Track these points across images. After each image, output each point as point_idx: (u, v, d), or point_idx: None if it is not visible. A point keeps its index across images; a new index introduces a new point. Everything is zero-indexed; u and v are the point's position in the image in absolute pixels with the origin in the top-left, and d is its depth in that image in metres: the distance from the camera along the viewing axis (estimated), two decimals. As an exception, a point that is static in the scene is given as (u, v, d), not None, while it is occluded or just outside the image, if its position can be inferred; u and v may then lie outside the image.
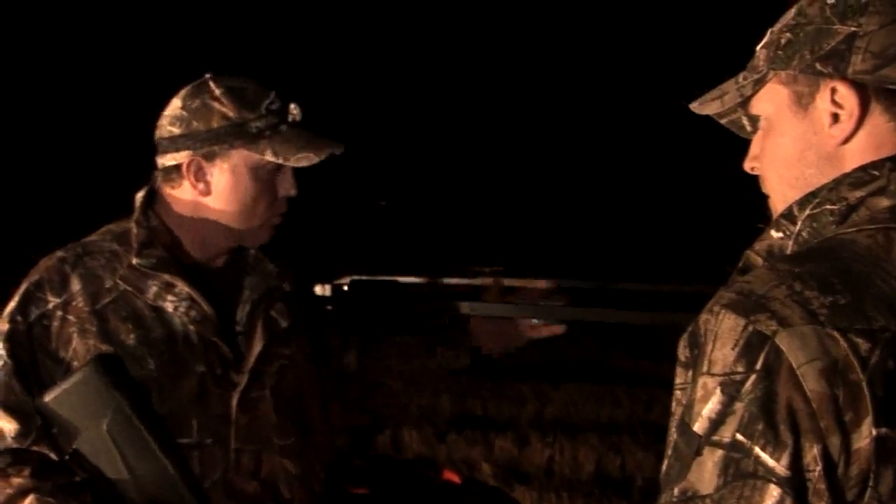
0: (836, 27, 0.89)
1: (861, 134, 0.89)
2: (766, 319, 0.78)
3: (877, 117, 0.89)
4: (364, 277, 2.68)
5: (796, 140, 0.93)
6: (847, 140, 0.90)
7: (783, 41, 0.94)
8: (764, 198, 1.01)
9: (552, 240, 14.87)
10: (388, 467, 2.27)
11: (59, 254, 1.45)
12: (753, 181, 1.03)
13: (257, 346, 1.46)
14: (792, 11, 0.95)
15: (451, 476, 3.27)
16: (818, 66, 0.90)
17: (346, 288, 2.65)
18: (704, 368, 0.80)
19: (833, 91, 0.89)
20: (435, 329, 1.75)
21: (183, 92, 1.48)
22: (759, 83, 0.96)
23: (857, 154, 0.89)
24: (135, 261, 1.42)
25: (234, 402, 1.42)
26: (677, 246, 13.90)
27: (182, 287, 1.42)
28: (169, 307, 1.41)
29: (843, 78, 0.89)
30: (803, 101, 0.92)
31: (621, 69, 19.53)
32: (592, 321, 1.63)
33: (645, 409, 7.30)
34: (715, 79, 1.04)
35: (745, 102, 1.00)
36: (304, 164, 1.45)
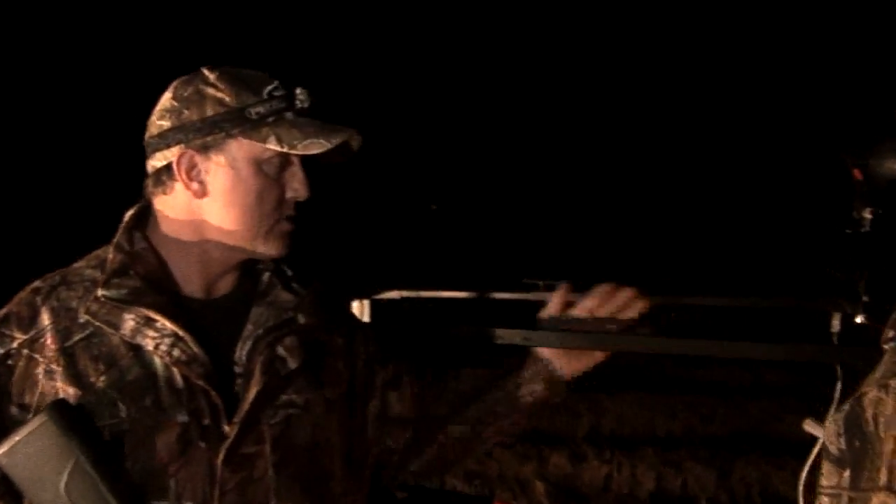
0: None
1: None
2: None
3: None
4: (408, 293, 2.47)
5: None
6: None
7: None
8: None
9: (614, 250, 14.42)
10: (436, 501, 2.03)
11: (36, 284, 1.26)
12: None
13: (252, 392, 1.22)
14: None
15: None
16: None
17: (386, 304, 2.44)
18: (883, 480, 0.54)
19: None
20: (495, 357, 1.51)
21: (175, 83, 1.28)
22: None
23: None
24: (100, 292, 1.21)
25: (220, 458, 1.19)
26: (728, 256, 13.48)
27: (164, 322, 1.20)
28: (149, 345, 1.19)
29: None
30: None
31: (698, 76, 19.05)
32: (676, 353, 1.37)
33: (702, 421, 7.00)
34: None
35: None
36: (314, 151, 1.22)
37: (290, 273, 1.36)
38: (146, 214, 1.30)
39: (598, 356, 1.47)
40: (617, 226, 16.80)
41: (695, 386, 8.01)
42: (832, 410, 1.90)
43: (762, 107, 17.85)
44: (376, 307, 2.54)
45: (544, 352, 1.46)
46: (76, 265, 1.28)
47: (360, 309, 2.57)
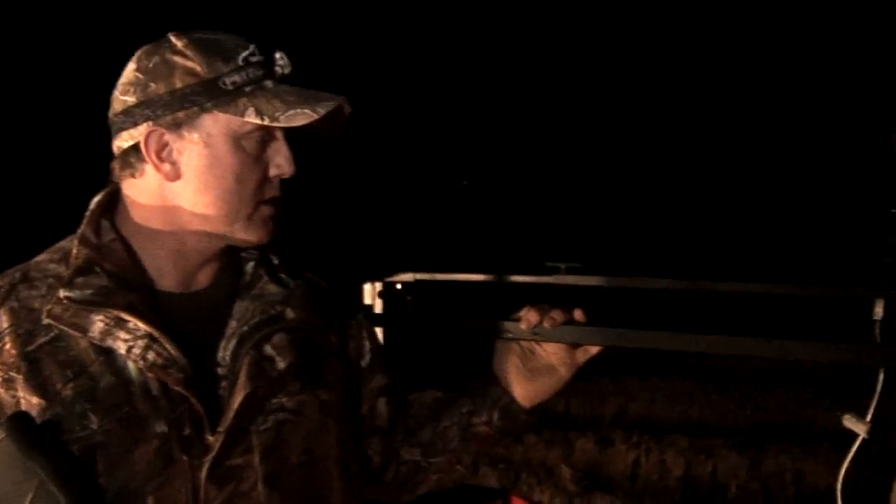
0: None
1: None
2: None
3: None
4: (423, 276, 2.35)
5: None
6: None
7: None
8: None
9: (639, 233, 14.13)
10: (449, 498, 1.92)
11: None
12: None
13: (238, 397, 1.09)
14: None
15: (520, 504, 2.93)
16: None
17: (399, 287, 2.33)
18: None
19: None
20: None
21: (139, 52, 1.13)
22: None
23: None
24: (62, 293, 1.07)
25: (204, 472, 1.08)
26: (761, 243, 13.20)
27: (136, 322, 1.07)
28: (121, 348, 1.06)
29: None
30: None
31: (729, 62, 18.63)
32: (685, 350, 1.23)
33: (737, 407, 6.85)
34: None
35: None
36: (298, 123, 1.09)
37: (276, 262, 1.23)
38: (115, 201, 1.17)
39: (561, 381, 1.31)
40: (645, 208, 16.53)
41: (727, 370, 7.84)
42: (874, 404, 1.76)
43: (805, 90, 17.47)
44: (388, 290, 2.43)
45: (507, 373, 1.31)
46: (38, 259, 1.15)
47: (372, 292, 2.47)
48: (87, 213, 1.14)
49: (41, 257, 1.15)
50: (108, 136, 1.15)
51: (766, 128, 17.72)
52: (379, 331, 1.49)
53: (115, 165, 1.14)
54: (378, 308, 2.36)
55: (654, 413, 6.62)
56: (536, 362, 1.31)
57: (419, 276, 2.40)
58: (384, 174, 14.51)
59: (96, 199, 1.16)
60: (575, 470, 5.28)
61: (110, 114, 1.13)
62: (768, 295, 2.32)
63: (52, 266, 1.12)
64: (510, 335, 1.29)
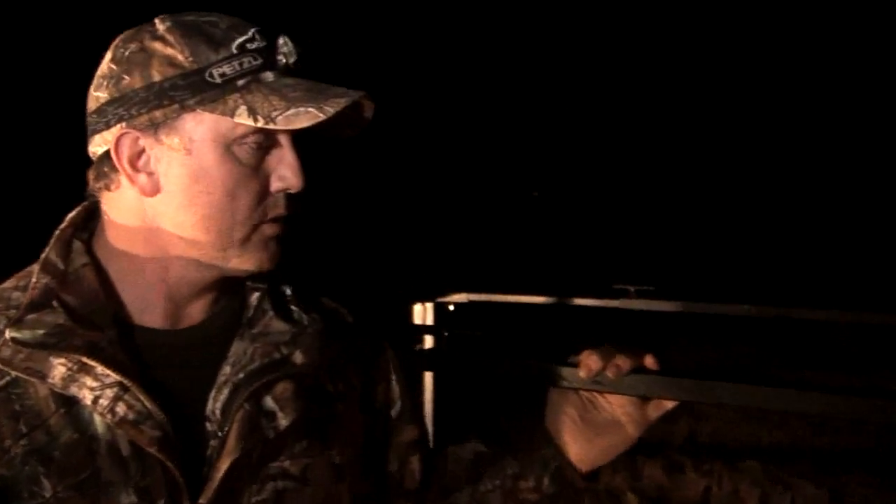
0: None
1: None
2: None
3: None
4: (477, 297, 2.15)
5: None
6: None
7: None
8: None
9: (720, 252, 13.51)
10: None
11: None
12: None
13: (226, 461, 0.90)
14: None
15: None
16: None
17: (451, 308, 2.13)
18: None
19: None
20: None
21: (117, 39, 0.95)
22: None
23: None
24: (8, 333, 0.89)
25: None
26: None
27: (103, 369, 0.88)
28: (87, 398, 0.88)
29: None
30: None
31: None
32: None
33: (813, 433, 6.48)
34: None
35: None
36: (300, 125, 0.89)
37: (289, 293, 1.04)
38: (93, 217, 1.00)
39: (627, 441, 1.11)
40: (729, 224, 15.95)
41: (784, 381, 7.44)
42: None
43: (853, 103, 16.78)
44: (440, 312, 2.24)
45: (561, 428, 1.11)
46: (5, 286, 0.97)
47: (423, 313, 2.28)
48: (57, 232, 0.95)
49: (7, 283, 0.96)
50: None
51: (865, 150, 17.05)
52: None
53: (90, 175, 0.97)
54: (426, 336, 2.17)
55: (727, 438, 6.31)
56: (598, 416, 1.10)
57: (473, 296, 2.21)
58: (439, 182, 14.20)
59: (71, 214, 0.98)
60: (642, 498, 5.03)
61: (87, 114, 0.96)
62: (864, 324, 2.08)
63: (15, 295, 0.94)
64: (565, 383, 1.08)
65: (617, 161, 17.74)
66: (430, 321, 2.19)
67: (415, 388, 1.17)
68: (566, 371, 1.07)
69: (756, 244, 14.45)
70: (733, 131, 18.01)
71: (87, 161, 0.98)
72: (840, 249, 13.30)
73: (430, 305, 2.18)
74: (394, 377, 1.13)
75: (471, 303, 2.22)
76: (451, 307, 2.20)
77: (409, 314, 2.19)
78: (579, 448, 1.10)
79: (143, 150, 0.91)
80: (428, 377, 1.96)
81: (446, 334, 2.08)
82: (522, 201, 16.69)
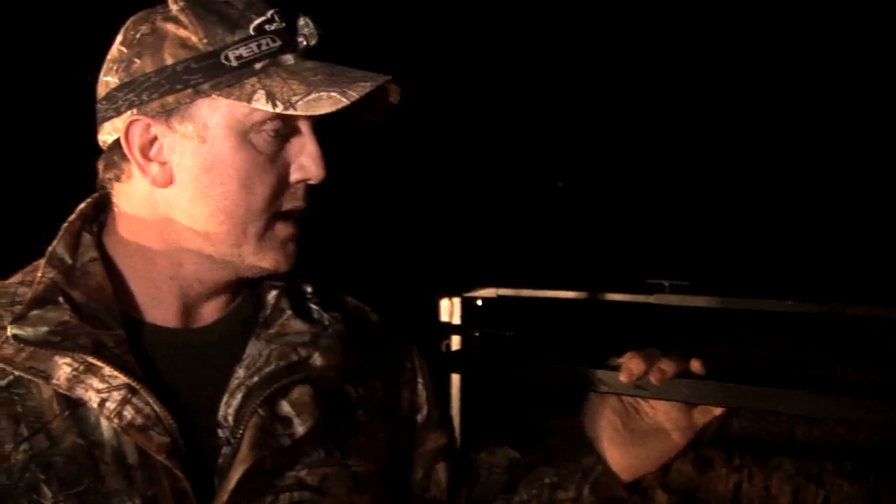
0: None
1: None
2: None
3: None
4: (506, 291, 2.08)
5: None
6: None
7: None
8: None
9: (758, 245, 13.26)
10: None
11: None
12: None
13: (238, 471, 0.84)
14: None
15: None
16: None
17: (479, 303, 2.06)
18: None
19: None
20: None
21: (128, 20, 0.90)
22: None
23: None
24: (10, 330, 0.83)
25: None
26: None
27: (111, 370, 0.83)
28: (93, 401, 0.83)
29: None
30: None
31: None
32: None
33: (849, 430, 6.36)
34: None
35: None
36: (322, 110, 0.84)
37: (308, 291, 0.98)
38: (104, 209, 0.95)
39: (673, 448, 1.05)
40: (765, 216, 15.70)
41: (841, 387, 7.30)
42: None
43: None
44: (468, 307, 2.17)
45: (601, 435, 1.05)
46: (9, 281, 0.93)
47: (450, 308, 2.21)
48: (66, 224, 0.90)
49: (13, 279, 0.91)
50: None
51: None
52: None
53: (100, 165, 0.91)
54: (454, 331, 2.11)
55: (759, 432, 6.21)
56: (641, 423, 1.04)
57: (502, 291, 2.14)
58: (466, 172, 14.08)
59: (81, 206, 0.92)
60: (671, 494, 4.95)
61: (97, 101, 0.91)
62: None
63: (21, 290, 0.88)
64: (605, 388, 1.02)
65: (651, 153, 17.57)
66: (456, 317, 2.12)
67: (443, 393, 1.10)
68: (605, 374, 1.01)
69: (792, 238, 14.23)
70: (774, 123, 17.78)
71: (95, 153, 0.94)
72: (879, 244, 13.04)
73: (457, 300, 2.11)
74: (420, 381, 1.07)
75: (499, 298, 2.15)
76: (479, 302, 2.14)
77: (436, 309, 2.13)
78: (621, 457, 1.05)
79: (154, 139, 0.87)
80: (455, 379, 1.90)
81: (477, 334, 2.01)
82: (552, 192, 16.57)
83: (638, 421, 1.03)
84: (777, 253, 13.00)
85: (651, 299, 2.04)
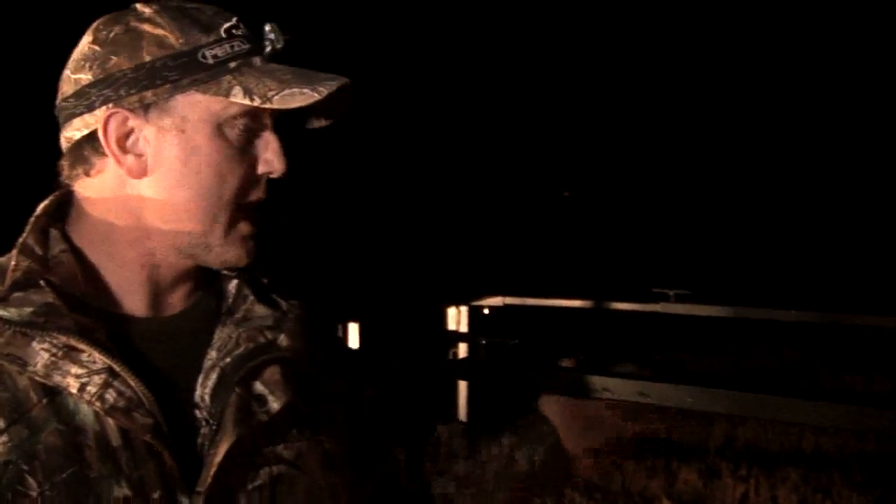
0: None
1: None
2: None
3: None
4: (512, 300, 2.11)
5: None
6: None
7: None
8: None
9: (762, 254, 13.26)
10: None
11: None
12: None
13: (222, 447, 0.88)
14: None
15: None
16: None
17: (486, 312, 2.09)
18: None
19: None
20: None
21: (95, 23, 0.95)
22: None
23: None
24: None
25: None
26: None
27: (92, 352, 0.86)
28: (72, 386, 0.85)
29: None
30: None
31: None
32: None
33: (857, 439, 6.35)
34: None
35: None
36: (296, 104, 0.89)
37: (266, 281, 1.03)
38: (65, 208, 0.98)
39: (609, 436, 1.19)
40: (769, 225, 15.68)
41: (849, 397, 7.31)
42: None
43: None
44: (475, 316, 2.20)
45: (552, 414, 1.18)
46: None
47: (457, 317, 2.24)
48: (31, 220, 0.94)
49: None
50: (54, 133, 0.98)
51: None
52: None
53: (65, 162, 0.94)
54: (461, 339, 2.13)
55: (766, 442, 6.20)
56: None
57: (508, 300, 2.17)
58: (472, 181, 14.14)
59: (43, 204, 0.95)
60: (677, 502, 4.95)
61: (58, 99, 0.93)
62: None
63: None
64: (610, 395, 1.05)
65: (656, 163, 17.57)
66: (463, 325, 2.15)
67: (448, 400, 1.16)
68: (610, 382, 1.04)
69: (798, 247, 14.22)
70: (779, 136, 17.77)
71: (44, 154, 0.97)
72: (885, 254, 13.02)
73: (464, 309, 2.14)
74: (370, 379, 1.14)
75: (506, 306, 2.18)
76: (486, 311, 2.17)
77: (443, 318, 2.16)
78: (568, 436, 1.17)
79: (131, 131, 0.91)
80: (462, 386, 1.93)
81: (483, 342, 2.04)
82: (559, 202, 16.62)
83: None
84: (783, 262, 12.99)
85: (657, 308, 2.06)
